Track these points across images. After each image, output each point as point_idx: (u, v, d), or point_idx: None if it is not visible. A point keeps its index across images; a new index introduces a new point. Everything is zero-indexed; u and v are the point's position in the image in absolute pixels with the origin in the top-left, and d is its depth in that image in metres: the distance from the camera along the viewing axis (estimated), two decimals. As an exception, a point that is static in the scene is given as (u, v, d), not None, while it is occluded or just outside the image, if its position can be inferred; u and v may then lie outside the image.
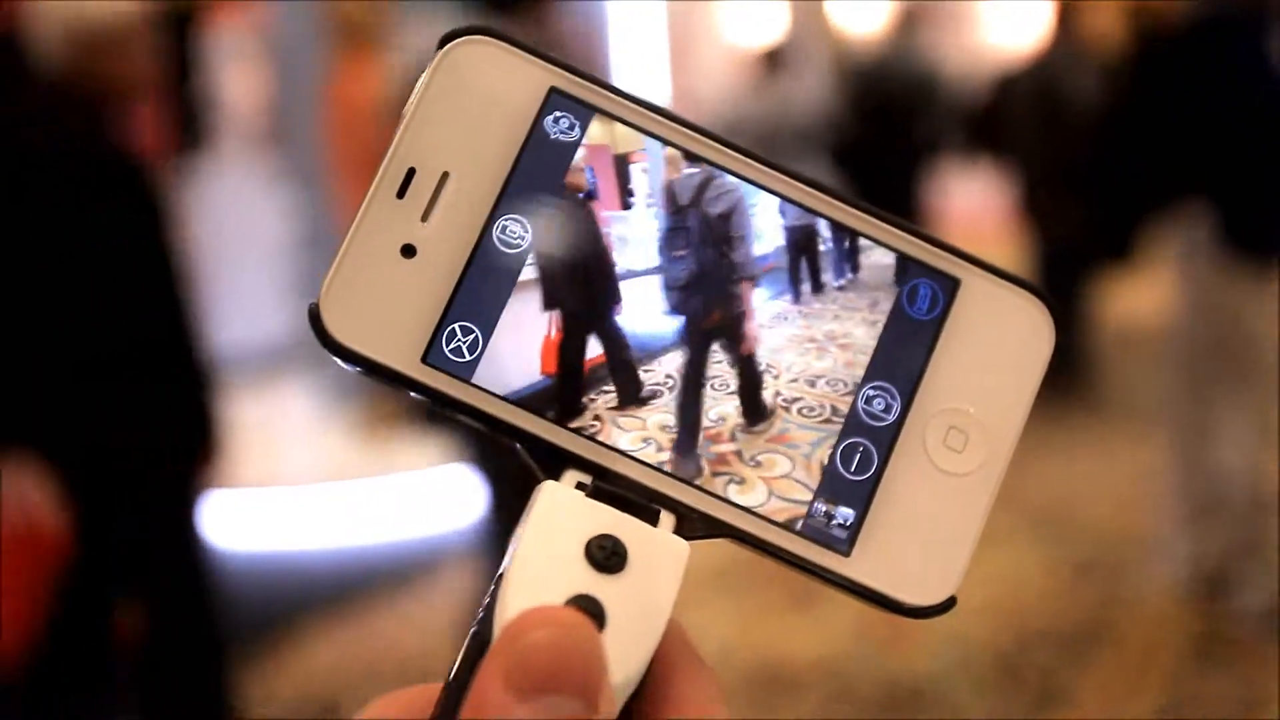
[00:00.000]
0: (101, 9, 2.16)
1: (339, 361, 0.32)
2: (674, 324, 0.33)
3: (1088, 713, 2.79)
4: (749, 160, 0.33)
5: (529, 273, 0.32)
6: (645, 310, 0.33)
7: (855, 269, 0.33)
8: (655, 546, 0.30)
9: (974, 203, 6.02)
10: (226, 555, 4.13)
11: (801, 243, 0.33)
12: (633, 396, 0.32)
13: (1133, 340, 5.10)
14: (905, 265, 0.33)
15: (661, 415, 0.32)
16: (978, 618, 3.25)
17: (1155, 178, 2.94)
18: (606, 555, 0.30)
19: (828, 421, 0.32)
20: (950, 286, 0.32)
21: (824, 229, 0.33)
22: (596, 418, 0.32)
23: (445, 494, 4.31)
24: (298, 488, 4.58)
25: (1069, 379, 4.57)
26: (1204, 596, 3.14)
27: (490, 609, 0.30)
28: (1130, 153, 3.04)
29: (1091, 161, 3.52)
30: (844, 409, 0.32)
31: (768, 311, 0.33)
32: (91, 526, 2.16)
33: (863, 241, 0.33)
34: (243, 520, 4.37)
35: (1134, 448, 4.02)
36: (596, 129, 0.33)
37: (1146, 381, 4.34)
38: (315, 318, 0.31)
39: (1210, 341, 2.89)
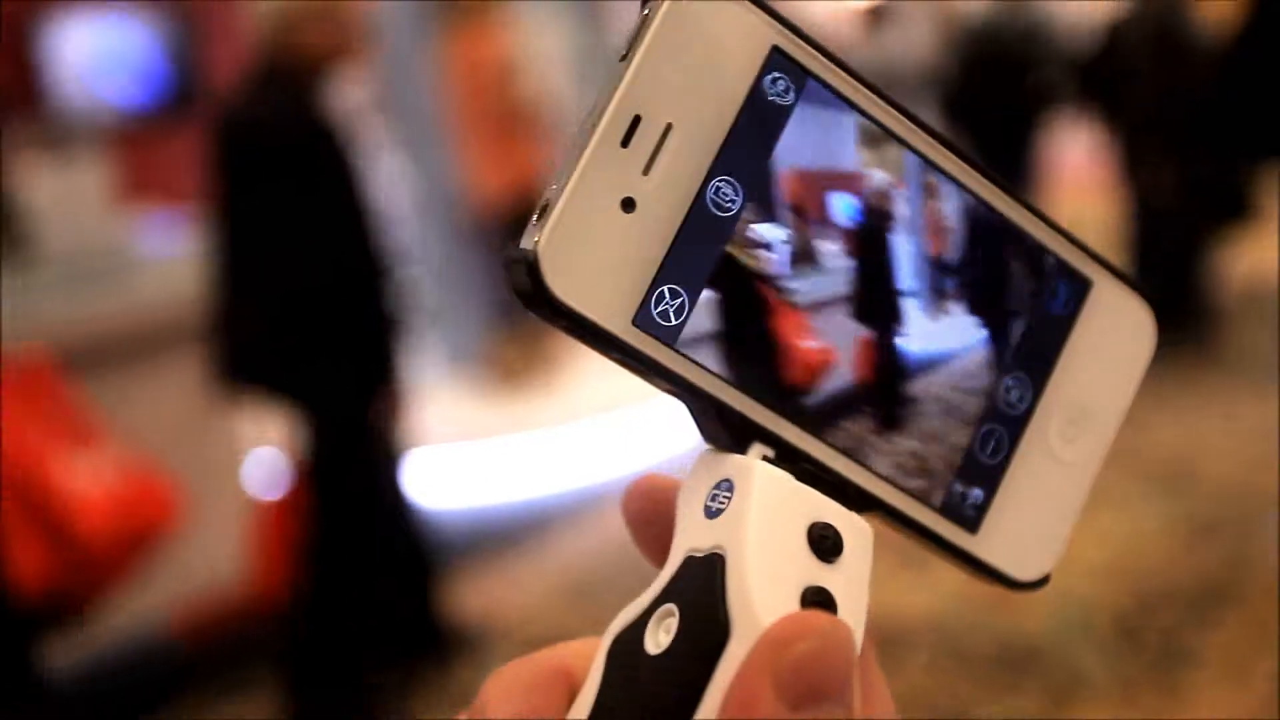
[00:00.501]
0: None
1: (544, 317, 0.30)
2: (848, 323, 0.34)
3: (1212, 673, 2.74)
4: (947, 151, 0.33)
5: (739, 232, 0.32)
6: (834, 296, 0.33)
7: (1007, 264, 0.34)
8: (857, 530, 0.31)
9: (1083, 156, 5.88)
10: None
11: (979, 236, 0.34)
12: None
13: (1257, 296, 4.96)
14: (1051, 264, 0.34)
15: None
16: (1096, 578, 3.20)
17: (1272, 127, 2.85)
18: (830, 544, 0.31)
19: (966, 416, 0.34)
20: (1083, 286, 0.34)
21: (991, 222, 0.34)
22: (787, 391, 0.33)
23: (554, 457, 4.35)
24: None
25: (1192, 337, 4.46)
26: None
27: (705, 590, 0.30)
28: (1246, 101, 2.94)
29: (1206, 112, 3.41)
30: (983, 398, 0.33)
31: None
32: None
33: (1022, 239, 0.34)
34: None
35: (1258, 405, 3.92)
36: (813, 94, 0.32)
37: (1271, 338, 4.21)
38: (534, 270, 0.30)
39: None
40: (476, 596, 3.43)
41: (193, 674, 3.15)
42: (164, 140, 7.20)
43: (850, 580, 0.31)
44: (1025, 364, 0.34)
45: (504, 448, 4.53)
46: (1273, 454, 3.31)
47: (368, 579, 2.77)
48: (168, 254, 3.63)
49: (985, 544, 0.33)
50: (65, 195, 3.61)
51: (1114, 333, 0.34)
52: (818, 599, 0.30)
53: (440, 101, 5.42)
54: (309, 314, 2.47)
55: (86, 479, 2.15)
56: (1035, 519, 0.34)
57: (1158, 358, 0.35)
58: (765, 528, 0.30)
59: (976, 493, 0.33)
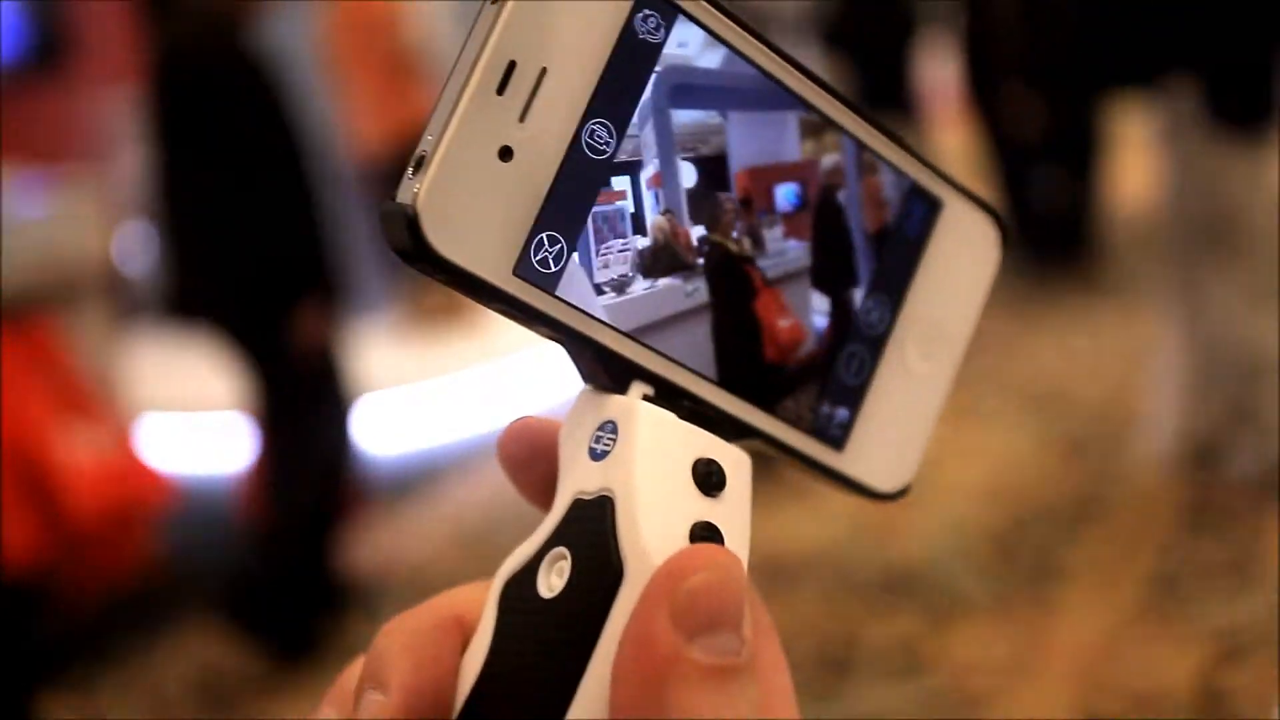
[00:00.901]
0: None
1: (424, 271, 0.30)
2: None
3: (1084, 586, 2.83)
4: (813, 84, 0.34)
5: (612, 180, 0.32)
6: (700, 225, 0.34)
7: (866, 187, 0.35)
8: (738, 463, 0.32)
9: (953, 83, 5.95)
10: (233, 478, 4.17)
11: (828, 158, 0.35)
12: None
13: (1126, 221, 5.08)
14: (906, 186, 0.34)
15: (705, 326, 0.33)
16: (973, 500, 3.29)
17: (1137, 51, 2.89)
18: (711, 478, 0.31)
19: (832, 332, 0.34)
20: (935, 206, 0.35)
21: (846, 146, 0.34)
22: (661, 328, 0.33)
23: (443, 407, 4.33)
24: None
25: (1066, 263, 4.57)
26: (1196, 468, 3.17)
27: (595, 533, 0.30)
28: (1109, 27, 2.97)
29: (1070, 39, 3.45)
30: (846, 319, 0.34)
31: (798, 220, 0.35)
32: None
33: (871, 160, 0.35)
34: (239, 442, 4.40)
35: (1126, 326, 4.04)
36: (681, 33, 0.32)
37: (1139, 261, 4.33)
38: (414, 226, 0.29)
39: (1199, 215, 2.88)
40: (369, 547, 3.41)
41: (72, 646, 3.10)
42: (31, 97, 6.96)
43: (734, 512, 0.32)
44: (884, 285, 0.34)
45: (391, 397, 4.50)
46: (1141, 373, 3.42)
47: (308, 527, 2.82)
48: (34, 216, 3.51)
49: (851, 460, 0.34)
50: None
51: (963, 250, 0.35)
52: (705, 533, 0.30)
53: (320, 47, 5.31)
54: (246, 242, 2.55)
55: (82, 451, 2.13)
56: (896, 433, 0.35)
57: (1035, 284, 0.36)
58: (651, 467, 0.31)
59: (842, 412, 0.34)
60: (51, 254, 3.32)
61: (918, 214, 0.35)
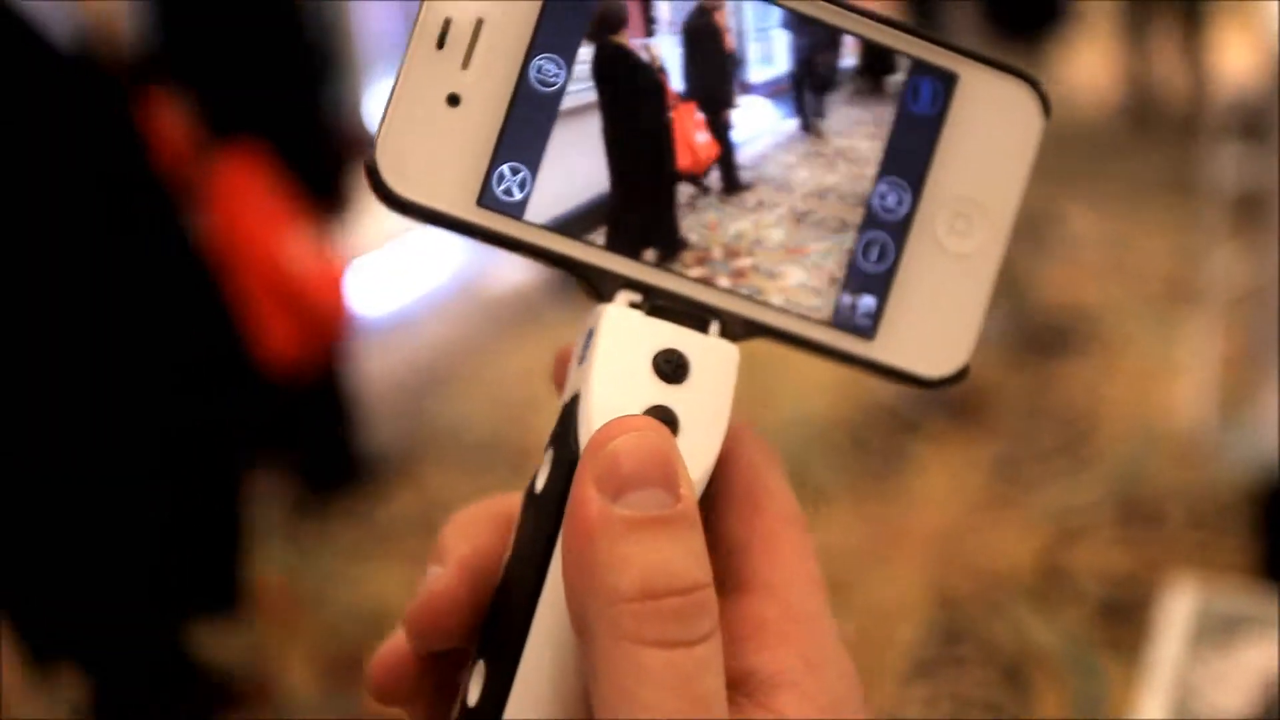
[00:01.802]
0: None
1: (397, 212, 0.32)
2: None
3: (930, 473, 2.94)
4: None
5: (569, 106, 0.33)
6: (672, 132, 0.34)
7: (860, 77, 0.34)
8: (710, 353, 0.33)
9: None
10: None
11: (807, 56, 0.34)
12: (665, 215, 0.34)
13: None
14: (907, 65, 0.34)
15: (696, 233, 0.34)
16: (823, 393, 3.37)
17: None
18: (672, 367, 0.32)
19: (841, 228, 0.34)
20: (949, 81, 0.34)
21: (826, 40, 0.34)
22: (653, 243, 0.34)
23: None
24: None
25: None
26: (1031, 361, 3.31)
27: (568, 430, 0.32)
28: None
29: None
30: (858, 213, 0.34)
31: (778, 131, 0.34)
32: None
33: (858, 43, 0.34)
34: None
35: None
36: None
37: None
38: (373, 173, 0.32)
39: None
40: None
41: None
42: None
43: (700, 399, 0.32)
44: (898, 168, 0.34)
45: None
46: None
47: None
48: None
49: (885, 348, 0.34)
50: None
51: (994, 121, 0.34)
52: (660, 416, 0.32)
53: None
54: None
55: (305, 255, 2.40)
56: (938, 316, 0.34)
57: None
58: (610, 361, 0.32)
59: (867, 300, 0.34)
60: None
61: (927, 91, 0.34)
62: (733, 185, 0.34)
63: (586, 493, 0.28)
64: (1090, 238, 4.35)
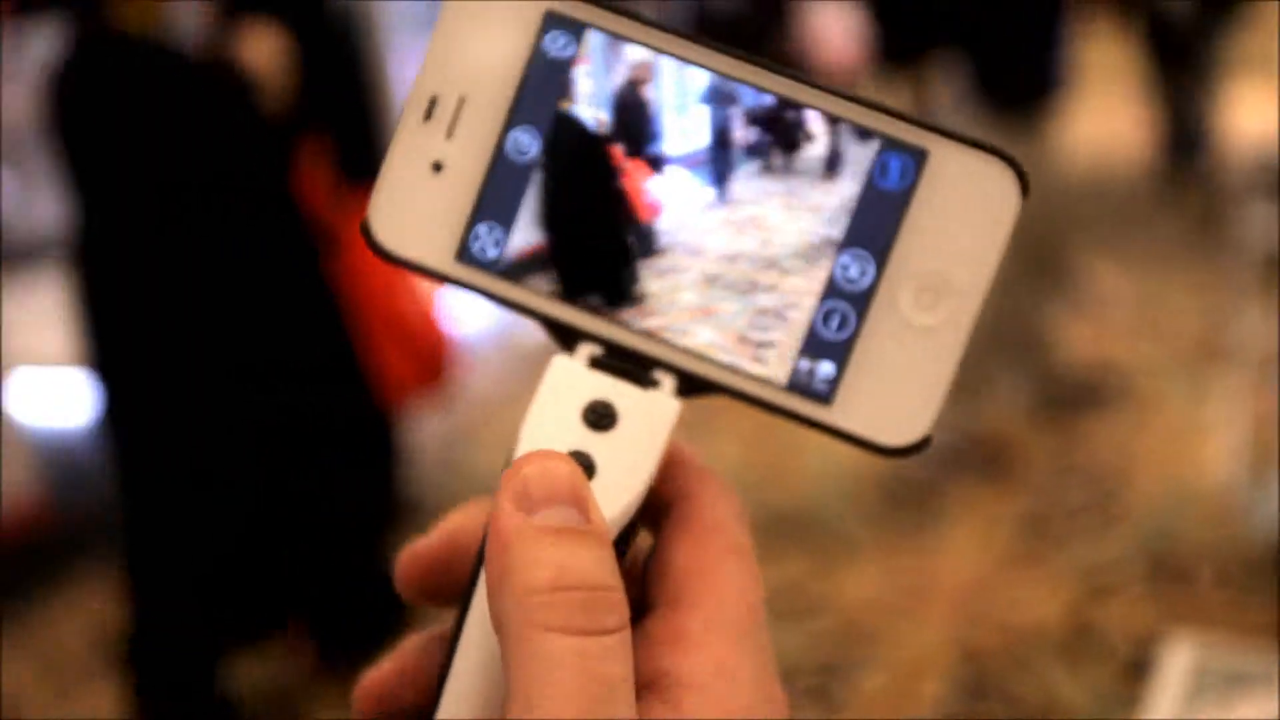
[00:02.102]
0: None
1: (387, 263, 0.36)
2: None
3: (960, 527, 2.94)
4: (713, 52, 0.35)
5: (538, 176, 0.36)
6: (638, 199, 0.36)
7: (826, 151, 0.35)
8: (645, 406, 0.34)
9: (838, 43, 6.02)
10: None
11: (773, 127, 0.35)
12: (623, 278, 0.36)
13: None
14: (874, 142, 0.34)
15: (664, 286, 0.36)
16: (859, 450, 3.37)
17: (912, 27, 2.87)
18: (599, 417, 0.34)
19: (802, 291, 0.35)
20: (919, 157, 0.34)
21: (794, 114, 0.35)
22: (611, 297, 0.36)
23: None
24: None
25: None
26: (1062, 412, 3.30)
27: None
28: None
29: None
30: (820, 277, 0.35)
31: (695, 200, 0.36)
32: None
33: (823, 121, 0.35)
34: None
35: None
36: (589, 43, 0.36)
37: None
38: (366, 230, 0.36)
39: None
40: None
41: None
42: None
43: (624, 449, 0.34)
44: (862, 241, 0.34)
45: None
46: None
47: None
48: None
49: (843, 414, 0.35)
50: None
51: (967, 197, 0.34)
52: (576, 458, 0.33)
53: None
54: None
55: (418, 296, 2.65)
56: (899, 385, 0.34)
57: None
58: (544, 408, 0.35)
59: (826, 366, 0.34)
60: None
61: (895, 167, 0.34)
62: (648, 249, 0.36)
63: (504, 507, 0.30)
64: (1121, 296, 4.34)
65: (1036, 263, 2.98)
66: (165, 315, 2.27)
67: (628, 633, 0.30)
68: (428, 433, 3.39)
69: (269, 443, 2.39)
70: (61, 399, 4.23)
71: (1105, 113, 5.66)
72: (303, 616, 2.60)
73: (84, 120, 2.25)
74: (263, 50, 2.31)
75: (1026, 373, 3.27)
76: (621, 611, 0.30)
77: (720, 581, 0.33)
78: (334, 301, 2.44)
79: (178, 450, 2.33)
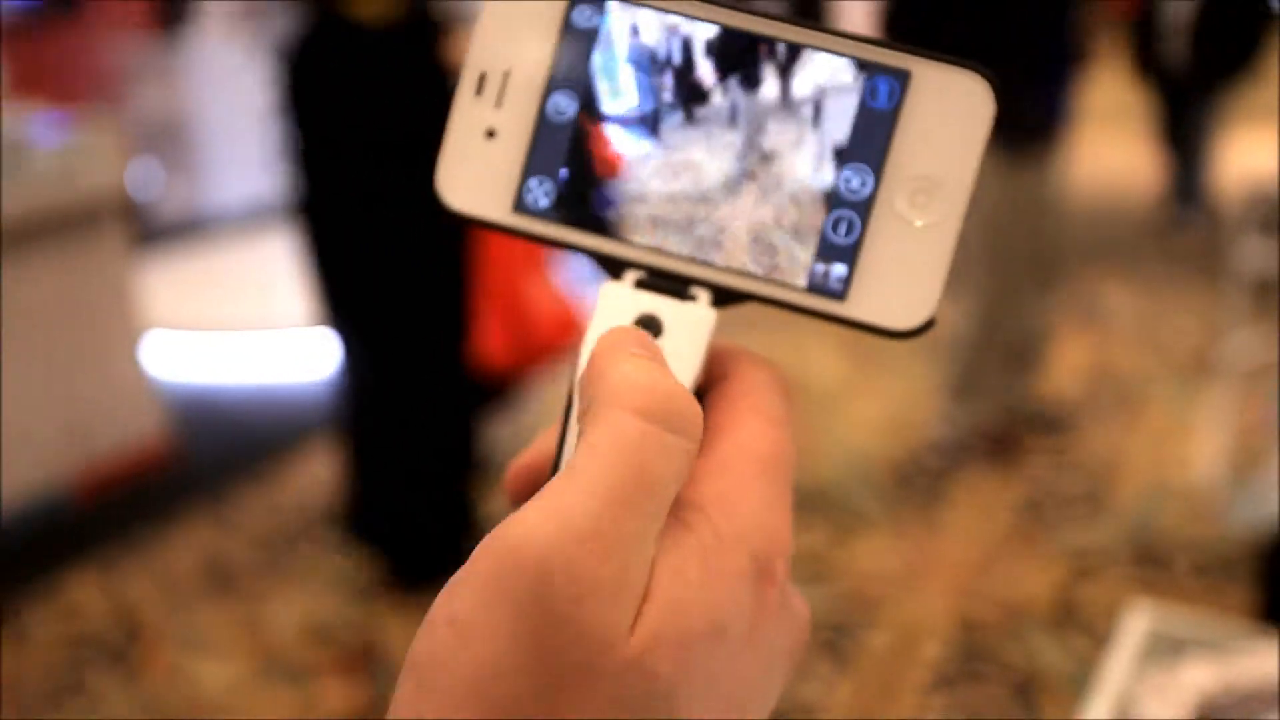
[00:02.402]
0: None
1: (456, 223, 0.37)
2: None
3: (963, 510, 2.92)
4: (726, 8, 0.36)
5: (579, 131, 0.37)
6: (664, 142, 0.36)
7: (820, 83, 0.35)
8: (685, 316, 0.35)
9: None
10: (236, 388, 4.14)
11: (786, 68, 0.36)
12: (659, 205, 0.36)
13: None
14: (864, 68, 0.35)
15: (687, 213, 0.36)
16: (875, 433, 3.36)
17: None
18: (646, 327, 0.35)
19: (812, 204, 0.35)
20: (903, 77, 0.35)
21: (795, 54, 0.36)
22: (645, 226, 0.36)
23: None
24: (287, 330, 4.55)
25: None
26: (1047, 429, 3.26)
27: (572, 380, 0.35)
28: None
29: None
30: (826, 191, 0.35)
31: (759, 126, 0.36)
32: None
33: (819, 56, 0.35)
34: (241, 355, 4.36)
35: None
36: (614, 12, 0.36)
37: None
38: (436, 194, 0.37)
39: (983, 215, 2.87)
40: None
41: (92, 531, 3.08)
42: (51, 40, 6.73)
43: (669, 352, 0.34)
44: (860, 155, 0.35)
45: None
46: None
47: None
48: (57, 144, 3.43)
49: (856, 307, 0.35)
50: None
51: (947, 109, 0.34)
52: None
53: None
54: None
55: (540, 293, 2.73)
56: (903, 278, 0.34)
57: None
58: (600, 324, 0.35)
59: (839, 267, 0.35)
60: (69, 180, 3.25)
61: (883, 88, 0.35)
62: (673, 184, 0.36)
63: (604, 340, 0.32)
64: (1124, 312, 4.28)
65: (1044, 280, 2.93)
66: (368, 268, 2.50)
67: (692, 454, 0.29)
68: (522, 404, 3.43)
69: (393, 382, 2.63)
70: (187, 358, 4.33)
71: (1118, 146, 5.57)
72: (385, 535, 2.71)
73: (310, 93, 2.47)
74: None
75: (1030, 375, 3.23)
76: (694, 430, 0.29)
77: (739, 432, 0.32)
78: (464, 273, 2.57)
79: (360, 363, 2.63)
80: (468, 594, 0.26)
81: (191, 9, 7.55)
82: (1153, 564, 2.63)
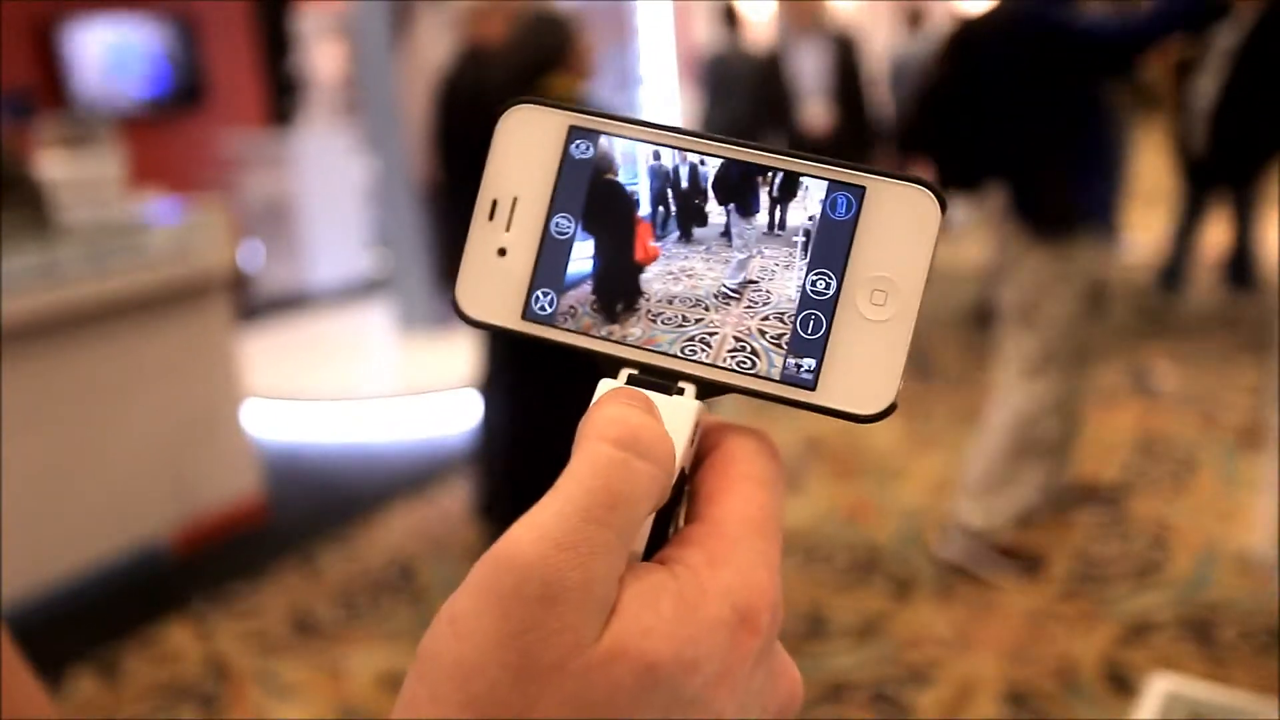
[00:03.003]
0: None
1: (473, 328, 0.40)
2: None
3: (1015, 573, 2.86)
4: (698, 138, 0.39)
5: (578, 247, 0.39)
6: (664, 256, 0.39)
7: (786, 202, 0.38)
8: (673, 407, 0.37)
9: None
10: (326, 451, 4.23)
11: (747, 190, 0.39)
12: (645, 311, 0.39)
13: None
14: (824, 187, 0.38)
15: (676, 318, 0.39)
16: (928, 498, 3.33)
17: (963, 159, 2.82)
18: None
19: (786, 307, 0.38)
20: (859, 192, 0.38)
21: (765, 176, 0.38)
22: (637, 330, 0.39)
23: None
24: (375, 398, 4.65)
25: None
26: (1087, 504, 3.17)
27: None
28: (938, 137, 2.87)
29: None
30: (797, 294, 0.38)
31: (716, 250, 0.39)
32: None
33: (791, 178, 0.38)
34: (331, 420, 4.46)
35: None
36: (603, 145, 0.40)
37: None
38: (456, 305, 0.40)
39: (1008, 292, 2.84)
40: (410, 519, 3.47)
41: (189, 583, 3.17)
42: (169, 131, 7.05)
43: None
44: (824, 262, 0.37)
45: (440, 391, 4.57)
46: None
47: None
48: (174, 224, 3.60)
49: (825, 396, 0.37)
50: (83, 177, 3.56)
51: (900, 217, 0.37)
52: None
53: (400, 98, 5.38)
54: None
55: None
56: (866, 368, 0.36)
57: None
58: None
59: (809, 361, 0.37)
60: (183, 257, 3.40)
61: (842, 202, 0.37)
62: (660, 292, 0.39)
63: (604, 394, 0.35)
64: (1178, 386, 4.19)
65: (1079, 365, 2.89)
66: None
67: (659, 479, 0.31)
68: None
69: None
70: (282, 423, 4.44)
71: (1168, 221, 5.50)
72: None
73: (453, 110, 3.04)
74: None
75: (1066, 458, 3.16)
76: (661, 457, 0.31)
77: (728, 498, 0.34)
78: None
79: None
80: (465, 596, 0.28)
81: (300, 104, 7.87)
82: (1201, 632, 2.55)
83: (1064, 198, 2.70)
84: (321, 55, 8.08)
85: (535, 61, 3.15)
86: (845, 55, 4.95)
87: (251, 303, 5.55)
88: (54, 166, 3.65)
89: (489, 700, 0.27)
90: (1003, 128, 2.74)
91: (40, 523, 3.00)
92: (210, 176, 6.94)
